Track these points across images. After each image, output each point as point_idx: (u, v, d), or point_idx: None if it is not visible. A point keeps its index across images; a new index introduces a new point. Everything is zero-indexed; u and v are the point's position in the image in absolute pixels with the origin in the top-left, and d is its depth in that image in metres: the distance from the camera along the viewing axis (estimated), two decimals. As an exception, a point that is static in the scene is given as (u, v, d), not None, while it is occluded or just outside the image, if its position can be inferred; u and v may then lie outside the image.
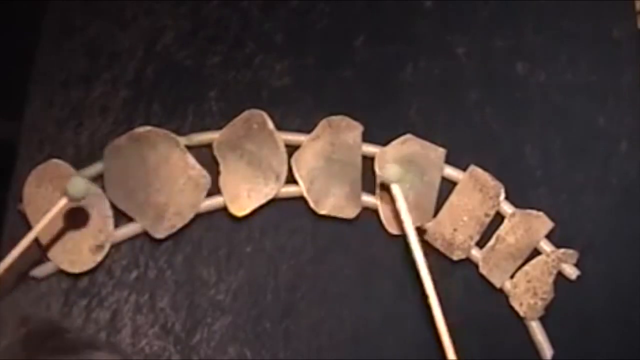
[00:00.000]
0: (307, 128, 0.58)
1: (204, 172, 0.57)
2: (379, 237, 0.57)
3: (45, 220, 0.52)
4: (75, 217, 0.55)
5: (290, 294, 0.56)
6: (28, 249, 0.53)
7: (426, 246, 0.57)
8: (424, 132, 0.59)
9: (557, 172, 0.60)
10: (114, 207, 0.56)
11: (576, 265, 0.58)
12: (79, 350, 0.31)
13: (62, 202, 0.52)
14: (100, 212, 0.55)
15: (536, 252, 0.58)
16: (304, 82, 0.61)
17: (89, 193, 0.53)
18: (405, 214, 0.55)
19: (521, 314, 0.57)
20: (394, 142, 0.58)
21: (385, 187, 0.56)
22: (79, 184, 0.52)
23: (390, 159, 0.58)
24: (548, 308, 0.57)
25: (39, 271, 0.55)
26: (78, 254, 0.55)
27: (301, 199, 0.57)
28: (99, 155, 0.57)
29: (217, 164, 0.57)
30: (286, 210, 0.58)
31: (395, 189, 0.56)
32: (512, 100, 0.62)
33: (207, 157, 0.58)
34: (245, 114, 0.58)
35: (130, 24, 0.61)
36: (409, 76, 0.62)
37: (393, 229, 0.57)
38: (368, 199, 0.58)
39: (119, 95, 0.59)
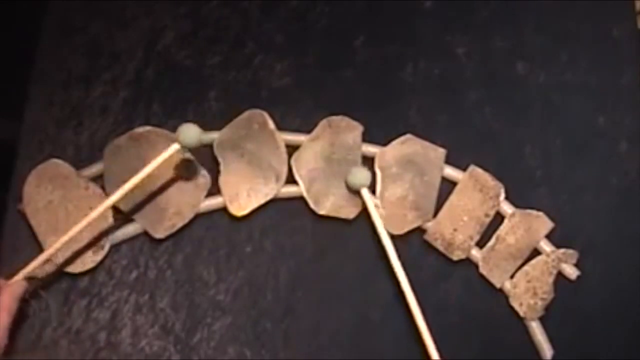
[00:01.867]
0: (307, 128, 0.59)
1: (204, 172, 0.57)
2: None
3: (154, 164, 0.53)
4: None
5: (290, 294, 0.56)
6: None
7: (426, 246, 0.58)
8: (424, 132, 0.59)
9: (557, 172, 0.60)
10: (114, 207, 0.56)
11: (576, 265, 0.58)
12: None
13: (174, 147, 0.53)
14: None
15: (536, 252, 0.58)
16: (304, 82, 0.61)
17: (201, 143, 0.54)
18: (376, 217, 0.56)
19: (521, 314, 0.57)
20: (394, 142, 0.58)
21: (355, 191, 0.57)
22: (191, 131, 0.53)
23: (391, 159, 0.58)
24: (548, 308, 0.57)
25: (39, 271, 0.55)
26: (78, 254, 0.55)
27: (301, 199, 0.57)
28: (99, 155, 0.57)
29: (217, 164, 0.57)
30: (286, 210, 0.58)
31: (365, 193, 0.56)
32: (512, 100, 0.62)
33: (207, 157, 0.58)
34: (246, 113, 0.58)
35: (130, 24, 0.61)
36: (409, 76, 0.62)
37: (393, 229, 0.57)
38: (368, 199, 0.58)
39: (119, 95, 0.59)
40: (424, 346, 0.53)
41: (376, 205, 0.57)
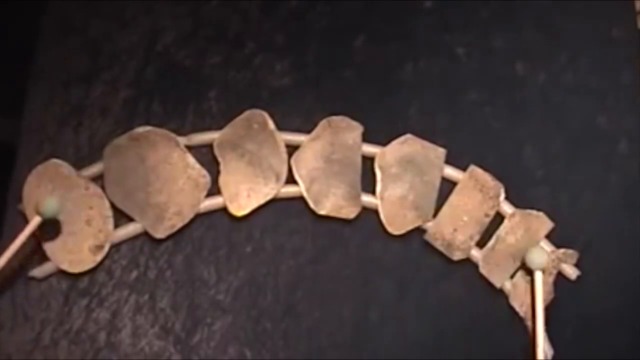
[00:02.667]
0: (307, 128, 0.58)
1: (204, 172, 0.57)
2: (378, 237, 0.57)
3: (19, 240, 0.53)
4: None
5: (290, 294, 0.56)
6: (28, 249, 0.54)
7: (426, 246, 0.58)
8: (424, 132, 0.59)
9: (557, 172, 0.60)
10: (114, 207, 0.56)
11: (576, 265, 0.58)
12: None
13: (36, 220, 0.53)
14: (100, 212, 0.55)
15: (536, 252, 0.58)
16: (304, 82, 0.61)
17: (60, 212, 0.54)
18: (539, 301, 0.55)
19: (521, 314, 0.57)
20: (394, 142, 0.58)
21: (526, 270, 0.56)
22: (51, 203, 0.53)
23: (391, 159, 0.58)
24: (548, 308, 0.57)
25: (39, 271, 0.55)
26: (78, 254, 0.55)
27: (301, 199, 0.57)
28: (99, 155, 0.57)
29: (217, 164, 0.57)
30: (286, 210, 0.58)
31: (538, 277, 0.55)
32: (512, 100, 0.62)
33: (207, 157, 0.58)
34: (246, 113, 0.58)
35: (130, 24, 0.61)
36: (409, 76, 0.62)
37: (393, 229, 0.57)
38: (368, 199, 0.58)
39: (119, 95, 0.59)
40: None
41: (376, 206, 0.57)
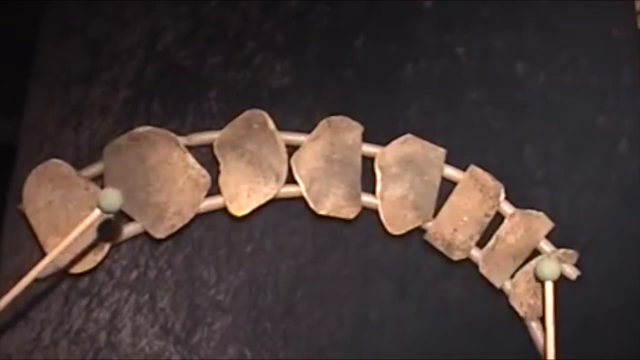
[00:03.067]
0: (307, 128, 0.58)
1: (204, 172, 0.57)
2: (378, 237, 0.57)
3: (77, 232, 0.51)
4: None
5: (290, 294, 0.56)
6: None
7: (426, 246, 0.58)
8: (424, 132, 0.59)
9: (557, 172, 0.60)
10: (114, 207, 0.56)
11: (576, 265, 0.58)
12: None
13: (96, 213, 0.51)
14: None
15: (536, 252, 0.58)
16: (304, 82, 0.61)
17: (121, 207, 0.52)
18: (549, 313, 0.54)
19: (521, 314, 0.57)
20: (394, 142, 0.58)
21: (539, 280, 0.55)
22: (113, 196, 0.51)
23: (391, 159, 0.58)
24: (548, 308, 0.57)
25: (39, 272, 0.55)
26: (78, 254, 0.55)
27: (301, 199, 0.57)
28: (99, 155, 0.57)
29: (217, 164, 0.57)
30: (286, 210, 0.58)
31: (549, 287, 0.54)
32: (512, 100, 0.62)
33: (207, 157, 0.58)
34: (246, 113, 0.58)
35: (130, 24, 0.61)
36: (409, 76, 0.62)
37: (393, 229, 0.57)
38: (368, 199, 0.58)
39: (119, 95, 0.59)
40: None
41: (376, 205, 0.57)
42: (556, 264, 0.55)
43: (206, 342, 0.55)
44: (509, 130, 0.61)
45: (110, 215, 0.53)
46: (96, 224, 0.53)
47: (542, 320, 0.55)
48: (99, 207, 0.51)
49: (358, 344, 0.56)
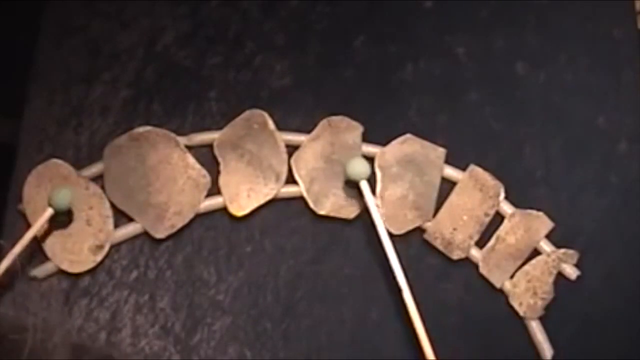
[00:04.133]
0: (307, 128, 0.58)
1: (204, 172, 0.57)
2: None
3: (31, 232, 0.53)
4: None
5: (290, 294, 0.56)
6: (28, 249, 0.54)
7: (426, 246, 0.58)
8: (424, 132, 0.59)
9: (557, 172, 0.60)
10: (114, 207, 0.56)
11: (576, 265, 0.58)
12: None
13: (48, 212, 0.53)
14: (100, 212, 0.55)
15: (536, 252, 0.58)
16: (304, 82, 0.61)
17: (73, 203, 0.54)
18: (374, 211, 0.55)
19: (521, 313, 0.57)
20: (393, 142, 0.58)
21: (353, 184, 0.56)
22: (63, 194, 0.53)
23: (391, 159, 0.58)
24: (548, 308, 0.57)
25: (39, 271, 0.55)
26: (78, 254, 0.55)
27: (301, 199, 0.57)
28: (99, 155, 0.57)
29: (217, 164, 0.57)
30: (286, 210, 0.58)
31: (364, 186, 0.56)
32: (512, 100, 0.62)
33: (207, 157, 0.58)
34: (246, 113, 0.58)
35: (130, 24, 0.61)
36: (409, 76, 0.62)
37: (393, 229, 0.57)
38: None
39: (119, 95, 0.59)
40: (420, 347, 0.53)
41: (376, 205, 0.57)
42: (364, 161, 0.56)
43: (206, 342, 0.55)
44: (509, 130, 0.61)
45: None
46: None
47: (370, 218, 0.55)
48: (50, 205, 0.53)
49: (358, 344, 0.56)
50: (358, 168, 0.56)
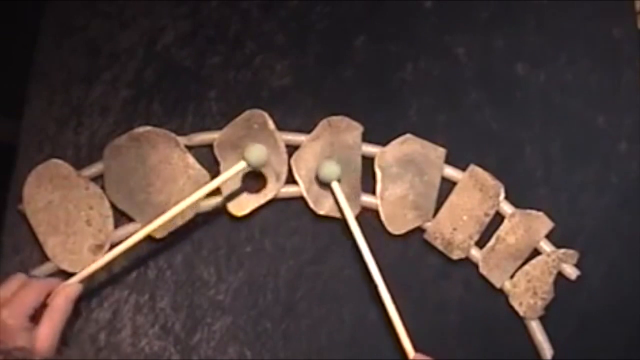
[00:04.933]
0: (307, 128, 0.58)
1: (204, 172, 0.57)
2: (379, 237, 0.57)
3: (222, 178, 0.54)
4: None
5: (290, 294, 0.56)
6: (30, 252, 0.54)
7: (426, 246, 0.58)
8: (423, 132, 0.59)
9: (557, 172, 0.60)
10: (114, 207, 0.56)
11: (576, 265, 0.58)
12: None
13: (241, 165, 0.54)
14: (100, 212, 0.55)
15: (536, 252, 0.58)
16: (304, 82, 0.61)
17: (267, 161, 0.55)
18: (346, 209, 0.56)
19: (521, 313, 0.57)
20: (393, 142, 0.58)
21: (325, 184, 0.57)
22: (259, 151, 0.54)
23: (391, 159, 0.58)
24: (548, 308, 0.57)
25: (39, 271, 0.55)
26: (78, 254, 0.55)
27: (301, 199, 0.57)
28: (99, 155, 0.57)
29: (217, 164, 0.57)
30: (286, 210, 0.58)
31: (335, 187, 0.56)
32: (512, 100, 0.62)
33: (207, 157, 0.58)
34: (246, 113, 0.58)
35: (130, 24, 0.61)
36: (409, 76, 0.62)
37: (393, 229, 0.57)
38: (368, 199, 0.58)
39: (119, 95, 0.59)
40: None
41: (376, 205, 0.57)
42: (335, 165, 0.56)
43: (206, 342, 0.55)
44: (509, 130, 0.61)
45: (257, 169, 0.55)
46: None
47: (344, 221, 0.56)
48: (244, 159, 0.54)
49: (358, 344, 0.56)
50: (328, 170, 0.56)
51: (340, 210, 0.56)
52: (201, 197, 0.54)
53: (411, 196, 0.57)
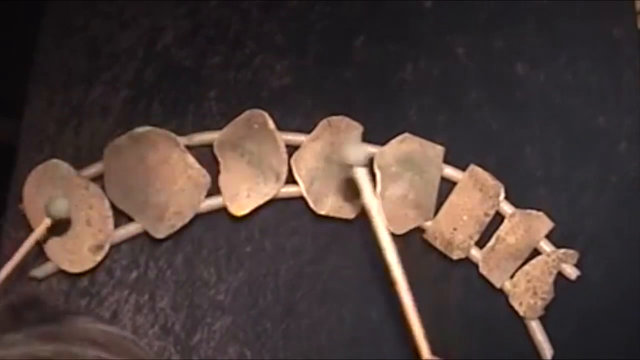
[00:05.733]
0: (307, 128, 0.58)
1: (204, 172, 0.57)
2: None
3: (30, 241, 0.53)
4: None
5: (290, 294, 0.56)
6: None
7: (426, 246, 0.58)
8: (423, 132, 0.59)
9: (557, 172, 0.60)
10: (114, 207, 0.56)
11: (576, 265, 0.58)
12: (60, 318, 0.32)
13: (45, 223, 0.53)
14: (100, 212, 0.55)
15: (536, 252, 0.58)
16: (304, 82, 0.61)
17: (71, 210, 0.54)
18: (371, 199, 0.53)
19: (521, 313, 0.57)
20: (392, 141, 0.58)
21: (348, 165, 0.53)
22: (60, 203, 0.53)
23: (390, 158, 0.58)
24: (548, 308, 0.57)
25: (39, 271, 0.55)
26: (78, 254, 0.55)
27: (301, 199, 0.57)
28: (99, 155, 0.57)
29: (217, 164, 0.57)
30: (286, 210, 0.58)
31: (361, 173, 0.53)
32: (512, 100, 0.62)
33: (207, 157, 0.58)
34: (246, 113, 0.58)
35: (130, 24, 0.61)
36: (409, 76, 0.61)
37: (394, 228, 0.57)
38: (368, 199, 0.58)
39: (119, 95, 0.59)
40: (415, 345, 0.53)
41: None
42: (362, 148, 0.53)
43: (206, 342, 0.55)
44: (509, 130, 0.61)
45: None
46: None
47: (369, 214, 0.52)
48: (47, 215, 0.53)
49: (358, 344, 0.56)
50: (354, 153, 0.53)
51: (364, 200, 0.53)
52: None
53: (411, 195, 0.57)
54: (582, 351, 0.56)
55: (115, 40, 0.60)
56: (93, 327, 0.33)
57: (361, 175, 0.54)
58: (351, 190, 0.56)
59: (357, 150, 0.54)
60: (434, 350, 0.53)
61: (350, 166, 0.54)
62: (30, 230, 0.55)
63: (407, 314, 0.52)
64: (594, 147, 0.61)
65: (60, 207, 0.53)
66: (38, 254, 0.55)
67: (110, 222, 0.56)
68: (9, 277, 0.52)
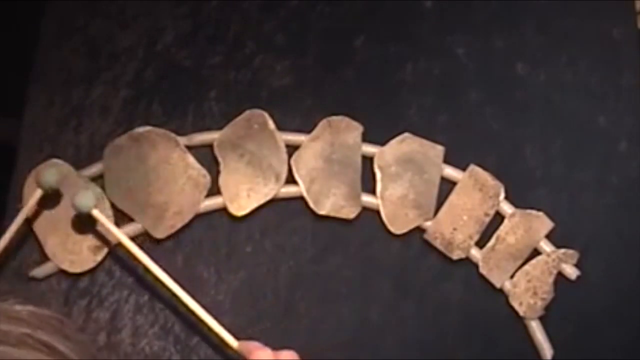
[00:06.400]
0: (307, 128, 0.58)
1: (204, 172, 0.57)
2: (379, 237, 0.57)
3: (20, 217, 0.53)
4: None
5: (290, 294, 0.56)
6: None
7: (426, 246, 0.58)
8: (423, 132, 0.59)
9: (557, 172, 0.60)
10: (114, 207, 0.56)
11: (576, 265, 0.58)
12: None
13: (38, 193, 0.53)
14: (101, 212, 0.55)
15: (536, 252, 0.58)
16: (304, 82, 0.61)
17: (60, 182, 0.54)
18: (114, 230, 0.53)
19: (521, 313, 0.57)
20: (392, 141, 0.58)
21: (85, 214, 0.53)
22: (50, 173, 0.53)
23: (390, 158, 0.58)
24: (548, 308, 0.57)
25: (39, 271, 0.55)
26: (78, 254, 0.55)
27: (301, 199, 0.57)
28: (99, 155, 0.57)
29: (217, 164, 0.57)
30: (286, 210, 0.58)
31: (97, 213, 0.53)
32: (512, 100, 0.62)
33: (207, 157, 0.58)
34: (246, 113, 0.58)
35: (130, 24, 0.61)
36: (409, 76, 0.61)
37: (395, 228, 0.57)
38: (368, 199, 0.58)
39: (119, 95, 0.59)
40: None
41: (377, 205, 0.57)
42: (91, 192, 0.53)
43: (206, 342, 0.55)
44: (509, 130, 0.61)
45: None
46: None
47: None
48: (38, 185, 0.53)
49: (358, 344, 0.56)
50: (84, 199, 0.53)
51: (115, 235, 0.53)
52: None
53: (412, 195, 0.58)
54: (582, 351, 0.56)
55: (115, 40, 0.60)
56: (22, 308, 0.33)
57: (98, 216, 0.53)
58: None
59: (85, 197, 0.53)
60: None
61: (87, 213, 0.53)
62: (30, 230, 0.55)
63: (197, 315, 0.52)
64: (594, 147, 0.61)
65: (50, 177, 0.53)
66: (38, 254, 0.55)
67: (110, 222, 0.55)
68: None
